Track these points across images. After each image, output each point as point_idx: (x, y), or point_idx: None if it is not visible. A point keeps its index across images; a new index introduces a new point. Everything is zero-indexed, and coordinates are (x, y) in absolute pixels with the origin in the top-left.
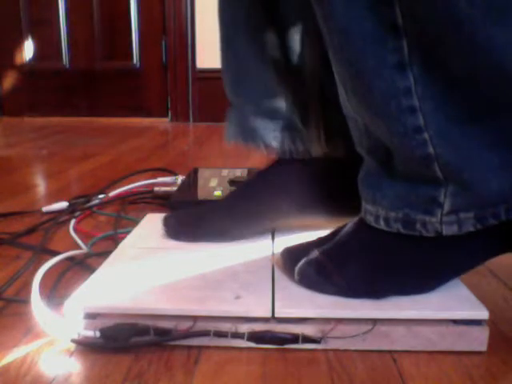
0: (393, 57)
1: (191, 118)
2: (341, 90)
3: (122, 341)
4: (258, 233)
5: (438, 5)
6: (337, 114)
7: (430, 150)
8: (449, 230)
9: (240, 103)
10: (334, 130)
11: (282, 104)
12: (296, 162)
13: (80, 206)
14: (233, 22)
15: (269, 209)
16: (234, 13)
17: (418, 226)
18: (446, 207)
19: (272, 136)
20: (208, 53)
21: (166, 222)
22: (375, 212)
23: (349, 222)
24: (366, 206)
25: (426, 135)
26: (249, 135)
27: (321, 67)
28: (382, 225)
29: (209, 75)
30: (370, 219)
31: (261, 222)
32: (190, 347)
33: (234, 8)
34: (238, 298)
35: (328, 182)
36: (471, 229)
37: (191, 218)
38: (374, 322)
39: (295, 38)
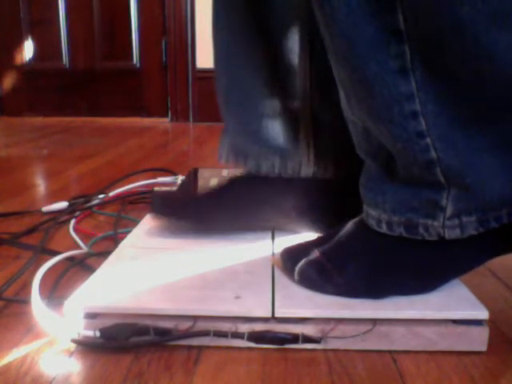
0: (395, 62)
1: (191, 118)
2: (342, 95)
3: (122, 341)
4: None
5: (442, 10)
6: (327, 136)
7: (433, 154)
8: (451, 234)
9: (231, 127)
10: (324, 152)
11: (272, 127)
12: (283, 179)
13: (80, 206)
14: (227, 40)
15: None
16: (227, 30)
17: (421, 230)
18: (449, 211)
19: (263, 162)
20: (208, 53)
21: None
22: (377, 216)
23: (349, 222)
24: (368, 210)
25: (428, 140)
26: (240, 159)
27: (313, 88)
28: (384, 228)
29: (209, 75)
30: (372, 223)
31: (250, 217)
32: (190, 347)
33: (227, 26)
34: (237, 297)
35: (313, 200)
36: (473, 232)
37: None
38: (374, 322)
39: (288, 58)
